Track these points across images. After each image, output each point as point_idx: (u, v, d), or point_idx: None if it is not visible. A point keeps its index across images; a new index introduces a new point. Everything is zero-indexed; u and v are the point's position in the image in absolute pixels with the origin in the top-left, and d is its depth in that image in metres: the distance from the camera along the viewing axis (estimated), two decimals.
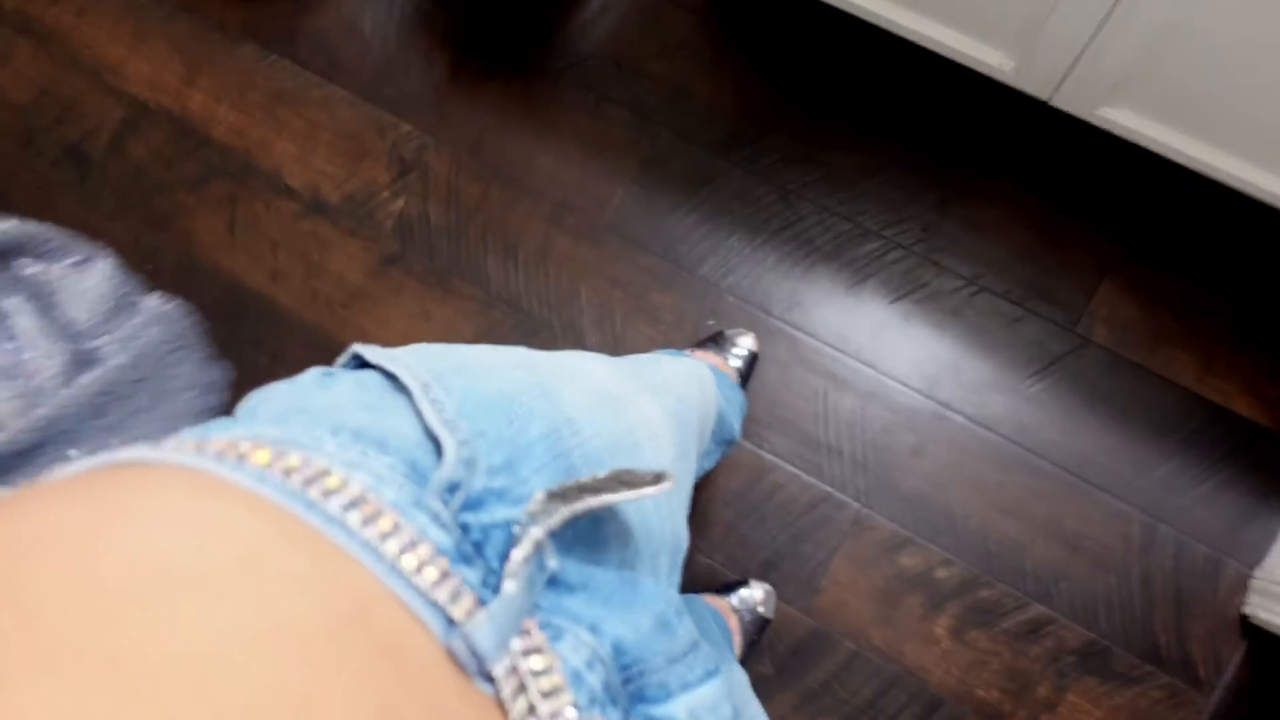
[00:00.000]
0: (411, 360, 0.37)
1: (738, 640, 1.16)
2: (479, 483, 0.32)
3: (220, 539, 0.23)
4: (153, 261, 1.43)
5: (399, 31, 1.41)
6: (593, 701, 0.29)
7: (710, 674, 0.37)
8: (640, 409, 0.47)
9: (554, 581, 0.32)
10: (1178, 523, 1.17)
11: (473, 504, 0.32)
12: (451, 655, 0.27)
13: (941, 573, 1.21)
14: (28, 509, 0.23)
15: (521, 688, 0.27)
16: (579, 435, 0.39)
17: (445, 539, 0.30)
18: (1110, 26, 0.90)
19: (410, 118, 1.39)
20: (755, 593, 1.19)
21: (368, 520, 0.27)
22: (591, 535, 0.36)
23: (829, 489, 1.24)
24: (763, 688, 1.21)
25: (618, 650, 0.33)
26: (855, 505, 1.23)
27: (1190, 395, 1.18)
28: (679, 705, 0.34)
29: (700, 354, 1.21)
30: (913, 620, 1.20)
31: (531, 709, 0.27)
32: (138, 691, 0.18)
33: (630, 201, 1.32)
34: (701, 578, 1.24)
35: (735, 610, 1.17)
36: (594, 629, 0.32)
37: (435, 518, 0.30)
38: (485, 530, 0.31)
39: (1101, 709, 1.16)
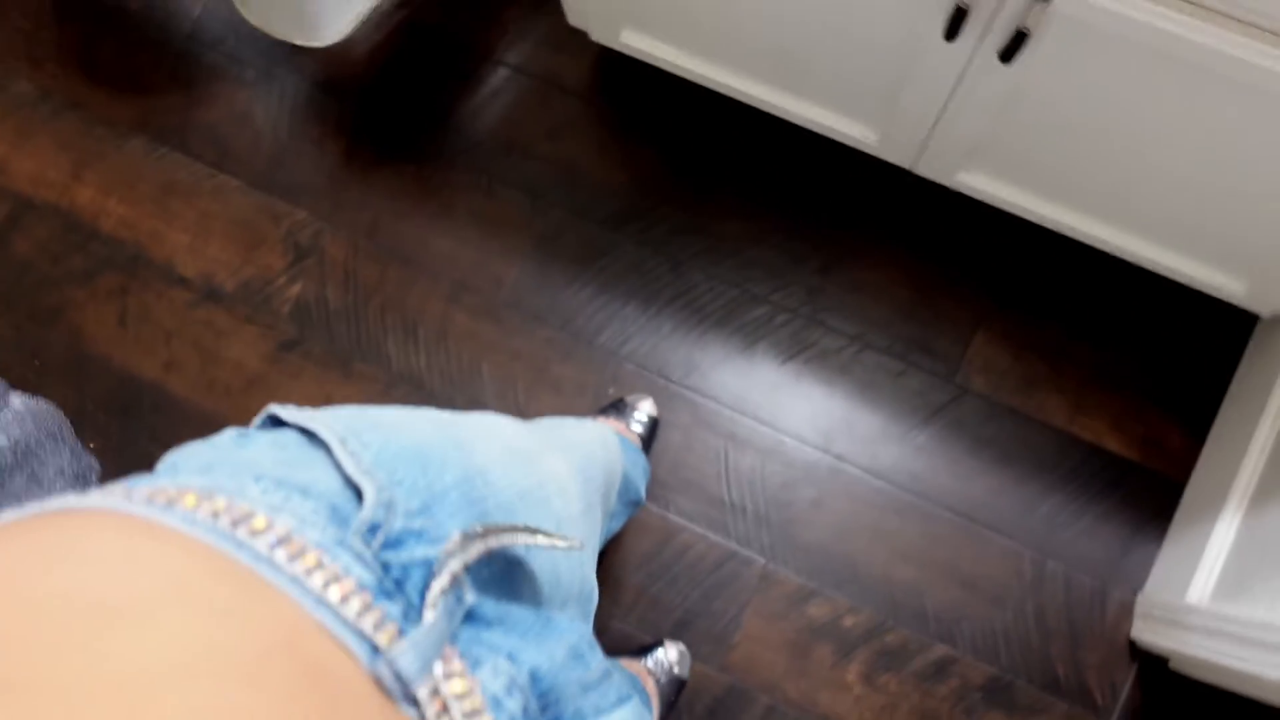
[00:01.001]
0: (328, 418, 0.38)
1: (656, 704, 1.17)
2: (398, 524, 0.34)
3: (151, 575, 0.24)
4: (39, 357, 1.39)
5: (291, 120, 1.43)
6: None
7: (623, 699, 0.38)
8: (549, 465, 0.49)
9: (471, 616, 0.34)
10: (1064, 557, 1.23)
11: (392, 543, 0.33)
12: (377, 681, 0.28)
13: (848, 621, 1.24)
14: None
15: (444, 709, 0.28)
16: (491, 485, 0.40)
17: (368, 575, 0.31)
18: (955, 101, 0.99)
19: (305, 204, 1.40)
20: (670, 653, 1.20)
21: (293, 557, 0.29)
22: (505, 579, 0.37)
23: (735, 546, 1.26)
24: None
25: (534, 678, 0.34)
26: (761, 560, 1.26)
27: (1064, 435, 1.26)
28: None
29: (602, 421, 1.24)
30: (824, 669, 1.23)
31: None
32: (81, 714, 0.19)
33: (527, 278, 1.35)
34: (616, 642, 1.24)
35: (651, 673, 1.18)
36: (511, 657, 0.33)
37: (358, 556, 0.31)
38: (405, 568, 0.32)
39: None
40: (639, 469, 1.14)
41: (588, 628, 0.46)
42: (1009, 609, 1.22)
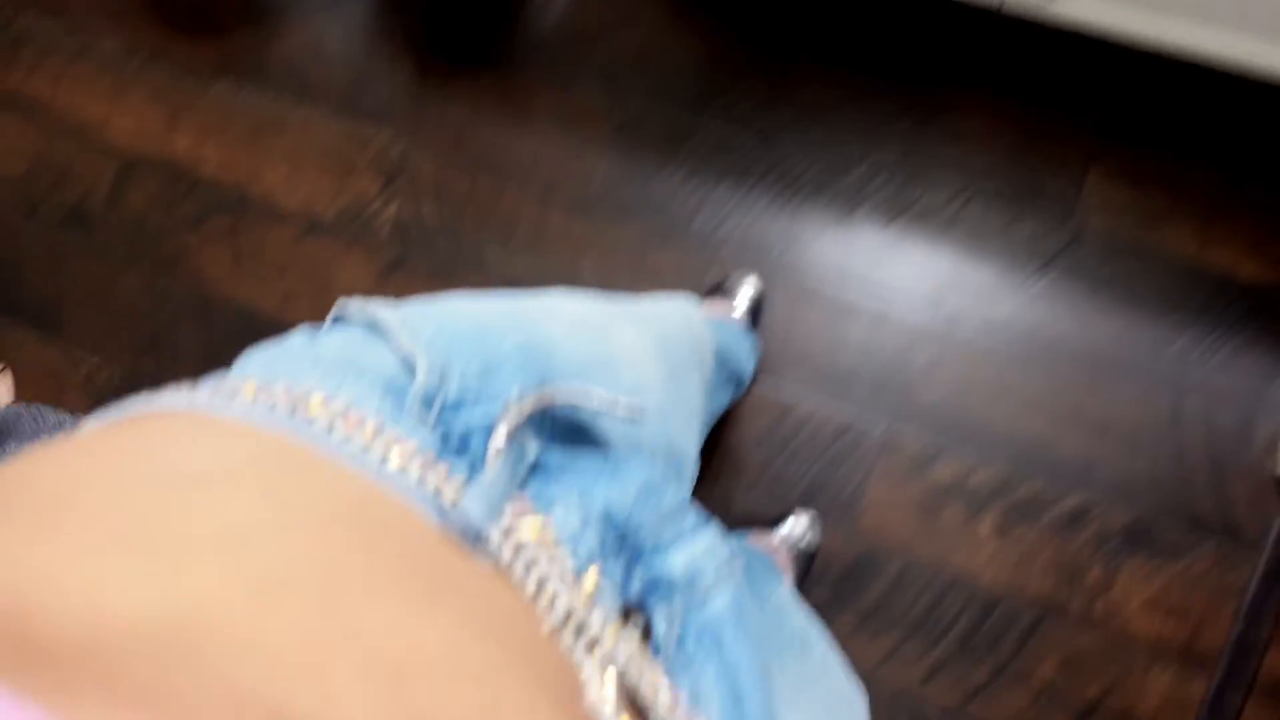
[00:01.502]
0: (389, 309, 0.39)
1: (789, 575, 1.19)
2: (454, 390, 0.35)
3: (224, 454, 0.26)
4: (170, 302, 1.47)
5: (362, 43, 1.43)
6: (591, 558, 0.32)
7: (701, 524, 0.39)
8: (619, 335, 0.49)
9: (539, 468, 0.35)
10: (1202, 393, 1.18)
11: (451, 408, 0.34)
12: (448, 533, 0.29)
13: (977, 478, 1.22)
14: (72, 444, 0.26)
15: (519, 549, 0.29)
16: (554, 353, 0.41)
17: (429, 438, 0.32)
18: None
19: (388, 124, 1.41)
20: (799, 524, 1.22)
21: (353, 429, 0.30)
22: (572, 437, 0.38)
23: (853, 415, 1.26)
24: (821, 613, 1.23)
25: (608, 514, 0.35)
26: (882, 426, 1.25)
27: (1193, 267, 1.19)
28: (676, 557, 0.36)
29: (707, 305, 1.23)
30: (955, 528, 1.22)
31: (530, 566, 0.29)
32: (187, 559, 0.20)
33: (614, 169, 1.33)
34: (743, 519, 1.26)
35: (782, 543, 1.20)
36: (583, 496, 0.34)
37: (420, 425, 0.33)
38: (466, 429, 0.34)
39: (1154, 584, 1.18)
40: (744, 348, 1.13)
41: (678, 483, 0.46)
42: (1145, 452, 1.19)
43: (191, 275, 1.46)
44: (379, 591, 0.23)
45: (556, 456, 0.36)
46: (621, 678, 0.28)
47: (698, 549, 0.37)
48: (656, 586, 0.35)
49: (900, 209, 1.26)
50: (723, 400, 1.05)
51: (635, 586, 0.35)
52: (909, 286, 1.25)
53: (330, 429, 0.30)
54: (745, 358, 1.15)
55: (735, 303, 1.24)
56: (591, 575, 0.31)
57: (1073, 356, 1.21)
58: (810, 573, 1.23)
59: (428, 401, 0.34)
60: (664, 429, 0.46)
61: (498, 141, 1.37)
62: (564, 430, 0.37)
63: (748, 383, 1.19)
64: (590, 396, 0.35)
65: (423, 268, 1.38)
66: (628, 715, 0.27)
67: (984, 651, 1.22)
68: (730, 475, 1.27)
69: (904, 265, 1.25)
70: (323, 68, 1.44)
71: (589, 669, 0.28)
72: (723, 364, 0.94)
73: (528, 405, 0.33)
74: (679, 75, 1.33)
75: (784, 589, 0.76)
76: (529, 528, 0.30)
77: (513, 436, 0.33)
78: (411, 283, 1.38)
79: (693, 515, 0.39)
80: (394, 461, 0.30)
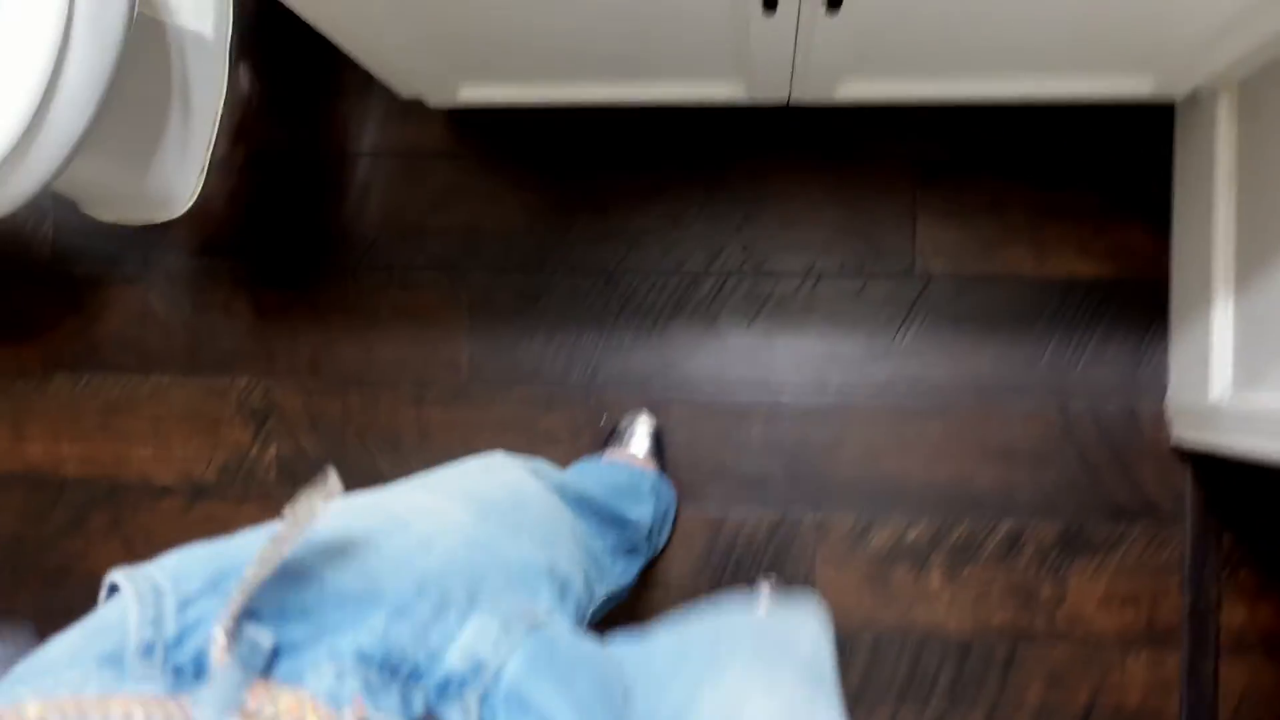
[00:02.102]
0: (139, 568, 0.40)
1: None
2: (170, 628, 0.36)
3: None
4: (72, 615, 1.39)
5: (190, 298, 1.39)
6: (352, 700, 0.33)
7: (465, 616, 0.40)
8: (410, 498, 0.51)
9: (286, 650, 0.36)
10: (1083, 393, 1.23)
11: (176, 645, 0.35)
12: None
13: (912, 535, 1.25)
14: None
15: None
16: (311, 536, 0.41)
17: (157, 686, 0.33)
18: (801, 51, 0.94)
19: (241, 370, 1.38)
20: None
21: (75, 717, 0.30)
22: (311, 606, 0.38)
23: (780, 511, 1.28)
24: None
25: (361, 655, 0.36)
26: (809, 514, 1.27)
27: (1038, 281, 1.25)
28: (450, 656, 0.37)
29: (610, 455, 1.24)
30: (908, 587, 1.25)
31: None
32: None
33: (478, 350, 1.33)
34: None
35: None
36: (331, 652, 0.36)
37: (144, 677, 0.34)
38: (197, 651, 0.35)
39: (1101, 581, 1.23)
40: (641, 485, 1.13)
41: (535, 594, 0.48)
42: (1052, 462, 1.24)
43: (86, 579, 1.40)
44: None
45: (302, 630, 0.37)
46: None
47: (468, 637, 0.38)
48: (446, 688, 0.37)
49: (757, 306, 1.29)
50: (628, 577, 1.02)
51: (419, 702, 0.36)
52: (789, 376, 1.28)
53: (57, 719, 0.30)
54: (640, 494, 1.14)
55: (633, 446, 1.25)
56: (350, 713, 0.33)
57: (958, 395, 1.25)
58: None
59: (148, 650, 0.35)
60: (467, 555, 0.47)
61: (355, 356, 1.35)
62: (301, 606, 0.38)
63: (655, 515, 1.17)
64: (268, 566, 0.36)
65: None
66: None
67: (974, 694, 1.24)
68: (687, 604, 1.27)
69: (778, 358, 1.28)
70: (157, 334, 1.40)
71: None
72: (585, 500, 0.91)
73: (236, 601, 0.34)
74: (509, 242, 1.33)
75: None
76: (282, 705, 0.32)
77: (235, 635, 0.34)
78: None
79: (455, 612, 0.40)
80: (116, 715, 0.30)
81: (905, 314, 1.26)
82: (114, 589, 0.40)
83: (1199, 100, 1.13)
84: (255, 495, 1.37)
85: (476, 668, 0.37)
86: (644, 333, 1.30)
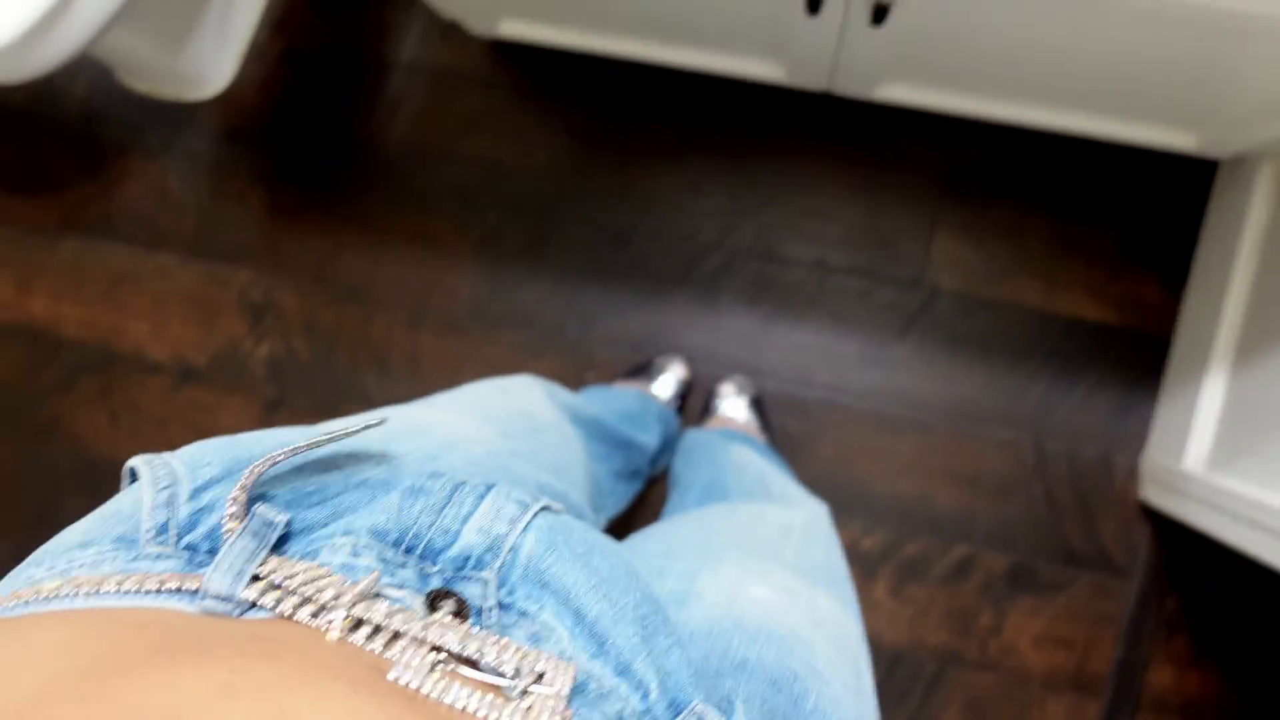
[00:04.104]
0: (159, 456, 0.41)
1: (759, 436, 1.22)
2: (183, 511, 0.36)
3: None
4: (52, 471, 1.44)
5: (208, 181, 1.40)
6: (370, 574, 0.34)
7: (484, 493, 0.40)
8: (433, 412, 0.52)
9: (299, 531, 0.36)
10: (1062, 434, 1.23)
11: (189, 527, 0.36)
12: (207, 610, 0.31)
13: (866, 543, 1.27)
14: None
15: (280, 595, 0.31)
16: (309, 435, 0.41)
17: (172, 563, 0.34)
18: (844, 50, 0.93)
19: (246, 263, 1.39)
20: (725, 392, 1.25)
21: (91, 591, 0.32)
22: (329, 490, 0.39)
23: None
24: None
25: (376, 532, 0.37)
26: None
27: (1041, 314, 1.24)
28: (467, 534, 0.38)
29: (624, 383, 1.24)
30: None
31: (304, 600, 0.31)
32: None
33: (480, 285, 1.34)
34: None
35: (734, 415, 1.23)
36: (346, 531, 0.36)
37: (157, 557, 0.34)
38: (210, 536, 0.35)
39: (1040, 619, 1.24)
40: (648, 412, 1.14)
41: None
42: (1018, 497, 1.24)
43: (70, 440, 1.43)
44: (136, 664, 0.25)
45: (318, 513, 0.37)
46: (432, 646, 0.30)
47: (485, 516, 0.38)
48: (463, 566, 0.37)
49: (761, 290, 1.29)
50: (633, 459, 1.04)
51: (437, 580, 0.36)
52: (780, 365, 1.28)
53: (69, 600, 0.31)
54: (648, 420, 1.14)
55: (654, 384, 1.25)
56: (365, 581, 0.33)
57: (939, 414, 1.25)
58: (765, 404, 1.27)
59: (162, 530, 0.35)
60: (490, 461, 0.48)
61: (360, 269, 1.37)
62: (320, 492, 0.39)
63: (661, 441, 1.18)
64: (297, 445, 0.36)
65: (304, 405, 1.38)
66: (444, 676, 0.28)
67: (894, 706, 1.27)
68: None
69: (773, 345, 1.28)
70: (170, 212, 1.41)
71: (394, 651, 0.29)
72: (595, 423, 0.95)
73: (250, 475, 0.35)
74: (529, 182, 1.33)
75: (741, 448, 0.87)
76: (292, 572, 0.32)
77: (247, 511, 0.34)
78: (294, 421, 1.38)
79: (471, 492, 0.40)
80: (131, 587, 0.31)
81: (906, 324, 1.26)
82: (134, 477, 0.40)
83: (1242, 164, 1.11)
84: (242, 388, 1.39)
85: (493, 544, 0.37)
86: (645, 296, 1.31)
